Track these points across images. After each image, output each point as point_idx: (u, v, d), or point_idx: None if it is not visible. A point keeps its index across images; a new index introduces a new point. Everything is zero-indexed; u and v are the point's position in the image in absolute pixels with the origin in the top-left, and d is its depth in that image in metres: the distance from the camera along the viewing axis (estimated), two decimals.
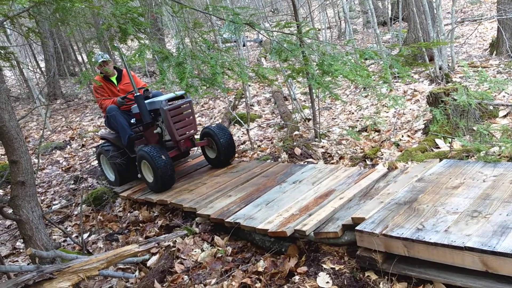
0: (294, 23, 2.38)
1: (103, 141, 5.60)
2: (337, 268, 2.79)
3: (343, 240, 2.98)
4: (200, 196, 4.26)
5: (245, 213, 3.71)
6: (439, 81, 6.39)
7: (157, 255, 3.62)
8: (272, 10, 18.09)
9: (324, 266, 2.86)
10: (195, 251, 3.54)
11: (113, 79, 5.40)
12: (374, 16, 7.47)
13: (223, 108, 8.98)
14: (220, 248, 3.50)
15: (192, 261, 3.42)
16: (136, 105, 4.96)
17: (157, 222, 4.33)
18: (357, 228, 2.75)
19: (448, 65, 6.85)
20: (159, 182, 4.55)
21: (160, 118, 4.94)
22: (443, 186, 3.03)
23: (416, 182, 3.22)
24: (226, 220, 3.67)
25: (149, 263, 3.55)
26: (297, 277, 2.85)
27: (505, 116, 4.72)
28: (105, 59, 5.27)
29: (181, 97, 4.85)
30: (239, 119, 6.64)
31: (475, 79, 5.72)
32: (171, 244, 3.67)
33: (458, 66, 7.13)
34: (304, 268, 2.93)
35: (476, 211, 2.58)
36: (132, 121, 5.27)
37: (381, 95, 5.67)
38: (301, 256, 3.15)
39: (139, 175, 5.31)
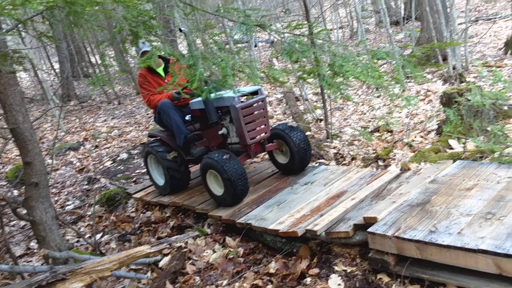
0: (305, 24, 2.37)
1: (152, 139, 4.92)
2: (349, 270, 2.78)
3: (354, 240, 2.97)
4: (211, 198, 4.27)
5: (256, 214, 3.71)
6: (453, 81, 6.32)
7: (169, 256, 3.64)
8: (284, 10, 18.08)
9: (336, 268, 2.84)
10: (207, 252, 3.55)
11: (160, 70, 4.73)
12: (387, 16, 7.42)
13: None
14: (231, 249, 3.51)
15: (204, 262, 3.43)
16: (195, 99, 4.31)
17: (169, 223, 4.36)
18: (369, 230, 2.74)
19: (462, 64, 6.77)
20: (230, 196, 3.89)
21: (227, 117, 4.24)
22: (456, 187, 2.99)
23: (429, 184, 3.18)
24: (238, 221, 3.68)
25: (161, 264, 3.57)
26: (308, 279, 2.84)
27: None
28: (147, 49, 4.36)
29: (254, 93, 4.17)
30: None
31: (490, 79, 5.64)
32: (183, 245, 3.69)
33: (472, 66, 7.04)
34: (316, 270, 2.92)
35: (490, 213, 2.55)
36: (187, 118, 4.63)
37: (393, 95, 5.61)
38: (313, 257, 3.14)
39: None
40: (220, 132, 4.31)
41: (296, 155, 4.26)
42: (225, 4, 9.58)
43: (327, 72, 2.09)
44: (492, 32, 10.26)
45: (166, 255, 3.68)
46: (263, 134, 4.18)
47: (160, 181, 4.75)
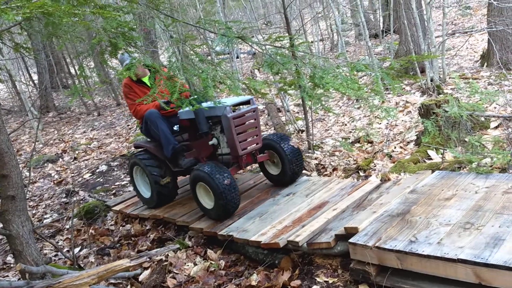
0: (286, 36, 2.40)
1: (138, 150, 4.73)
2: (330, 281, 2.78)
3: (336, 250, 2.98)
4: (193, 210, 4.23)
5: (238, 225, 3.69)
6: (431, 93, 6.44)
7: (149, 270, 3.58)
8: (266, 22, 18.23)
9: (318, 279, 2.84)
10: (188, 265, 3.50)
11: (145, 80, 4.55)
12: (366, 29, 7.55)
13: None
14: (213, 262, 3.47)
15: (185, 275, 3.38)
16: (184, 109, 4.10)
17: (150, 236, 4.29)
18: (350, 240, 2.75)
19: (439, 76, 6.92)
20: (221, 209, 3.75)
21: (218, 127, 4.13)
22: (435, 197, 3.04)
23: (409, 194, 3.22)
24: (219, 233, 3.65)
25: (141, 278, 3.50)
26: None
27: (496, 127, 4.76)
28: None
29: (246, 102, 4.05)
30: None
31: (466, 90, 5.78)
32: (163, 258, 3.64)
33: (450, 78, 7.20)
34: (298, 282, 2.91)
35: (468, 222, 2.59)
36: (175, 128, 4.51)
37: (373, 107, 5.68)
38: (295, 269, 3.13)
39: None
40: (210, 143, 4.19)
41: (287, 166, 4.18)
42: (206, 16, 9.62)
43: (308, 84, 2.12)
44: (468, 45, 10.54)
45: (146, 268, 3.62)
46: (254, 145, 4.07)
47: (146, 193, 4.59)
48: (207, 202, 3.90)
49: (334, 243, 2.98)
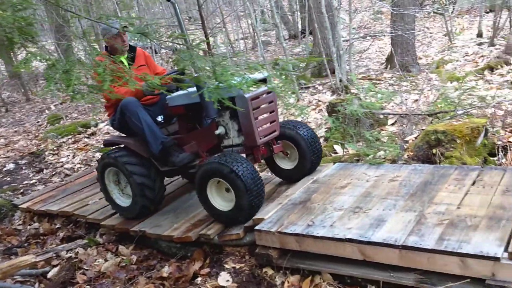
0: (185, 35, 2.50)
1: (112, 148, 3.89)
2: (237, 267, 2.95)
3: (245, 241, 3.14)
4: (105, 207, 4.17)
5: (151, 221, 3.71)
6: (340, 93, 6.90)
7: (58, 267, 3.51)
8: (188, 18, 18.12)
9: (226, 266, 2.99)
10: (99, 262, 3.48)
11: (123, 59, 3.78)
12: (281, 30, 7.88)
13: None
14: (124, 257, 3.48)
15: (95, 271, 3.37)
16: (176, 93, 3.40)
17: (59, 234, 4.18)
18: (256, 228, 2.94)
19: (348, 77, 7.43)
20: (244, 209, 3.04)
21: (227, 113, 3.35)
22: (333, 186, 3.33)
23: (311, 184, 3.49)
24: (132, 229, 3.65)
25: (49, 275, 3.42)
26: (199, 279, 2.95)
27: (393, 124, 5.25)
28: (120, 30, 3.48)
29: (262, 81, 3.27)
30: None
31: (371, 90, 6.29)
32: (73, 256, 3.58)
33: (357, 79, 7.76)
34: (207, 270, 3.04)
35: (358, 207, 2.89)
36: (159, 119, 3.82)
37: (288, 105, 5.97)
38: (206, 259, 3.26)
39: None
40: (217, 132, 3.38)
41: (308, 156, 3.55)
42: (124, 9, 9.38)
43: (211, 81, 2.25)
44: (378, 48, 11.39)
45: (55, 266, 3.54)
46: (275, 132, 3.44)
47: (124, 201, 3.80)
48: (221, 203, 3.23)
49: (244, 234, 3.14)
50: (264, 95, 3.34)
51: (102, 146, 6.57)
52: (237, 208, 3.07)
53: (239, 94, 3.08)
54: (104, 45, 3.75)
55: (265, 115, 3.37)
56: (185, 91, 3.23)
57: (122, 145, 3.77)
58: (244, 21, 16.25)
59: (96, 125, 8.05)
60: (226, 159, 3.06)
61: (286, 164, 3.75)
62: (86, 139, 7.46)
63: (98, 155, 6.52)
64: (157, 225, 3.61)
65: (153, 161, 3.62)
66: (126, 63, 3.79)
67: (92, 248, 3.67)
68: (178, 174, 4.01)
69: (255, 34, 9.29)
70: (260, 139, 3.27)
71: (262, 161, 3.69)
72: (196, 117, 3.57)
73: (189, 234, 3.30)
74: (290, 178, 3.76)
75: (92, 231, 4.08)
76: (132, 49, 3.91)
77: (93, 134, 7.70)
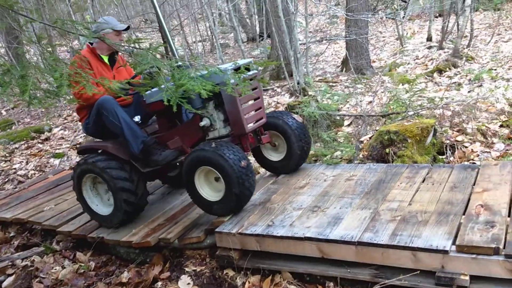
0: (145, 39, 2.48)
1: (87, 154, 3.61)
2: (198, 270, 2.95)
3: (205, 243, 3.15)
4: (61, 213, 4.06)
5: None
6: (298, 95, 7.03)
7: (14, 276, 3.39)
8: (144, 20, 17.86)
9: (187, 269, 2.99)
10: (56, 269, 3.39)
11: (105, 58, 3.64)
12: (239, 33, 7.94)
13: None
14: (82, 264, 3.40)
15: (53, 279, 3.27)
16: (154, 89, 3.07)
17: (14, 243, 4.02)
18: (216, 230, 2.95)
19: (305, 80, 7.58)
20: (235, 199, 2.94)
21: (211, 103, 3.19)
22: (292, 186, 3.40)
23: (271, 185, 3.55)
24: (89, 235, 3.57)
25: (4, 284, 3.31)
26: (159, 283, 2.93)
27: (349, 125, 5.42)
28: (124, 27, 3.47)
29: (246, 68, 3.11)
30: None
31: (328, 93, 6.46)
32: (29, 264, 3.47)
33: (314, 81, 7.93)
34: (167, 274, 3.02)
35: (316, 206, 2.97)
36: (136, 119, 3.59)
37: None
38: (166, 263, 3.24)
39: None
40: (201, 124, 3.24)
41: (295, 145, 3.48)
42: (78, 11, 9.13)
43: (170, 84, 2.25)
44: (334, 51, 11.69)
45: (10, 275, 3.42)
46: (261, 120, 3.34)
47: (102, 209, 3.60)
48: (210, 193, 3.11)
49: (204, 237, 3.14)
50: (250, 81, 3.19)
51: (56, 151, 6.37)
52: (228, 197, 2.95)
53: (223, 82, 2.82)
54: (88, 42, 3.59)
55: (250, 102, 3.27)
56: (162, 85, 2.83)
57: (100, 150, 3.55)
58: (202, 23, 16.22)
59: (50, 130, 7.82)
60: (213, 145, 2.94)
61: (274, 156, 3.70)
62: (39, 145, 7.21)
63: (52, 160, 6.32)
64: (115, 231, 3.54)
65: (134, 163, 3.43)
66: (108, 63, 3.66)
67: (48, 255, 3.56)
68: (159, 177, 3.88)
69: (213, 36, 9.30)
70: (248, 125, 3.18)
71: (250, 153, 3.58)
72: (176, 112, 3.17)
73: (148, 239, 3.26)
74: (280, 169, 3.71)
75: (48, 238, 3.95)
76: (113, 53, 3.73)
77: (47, 139, 7.45)
